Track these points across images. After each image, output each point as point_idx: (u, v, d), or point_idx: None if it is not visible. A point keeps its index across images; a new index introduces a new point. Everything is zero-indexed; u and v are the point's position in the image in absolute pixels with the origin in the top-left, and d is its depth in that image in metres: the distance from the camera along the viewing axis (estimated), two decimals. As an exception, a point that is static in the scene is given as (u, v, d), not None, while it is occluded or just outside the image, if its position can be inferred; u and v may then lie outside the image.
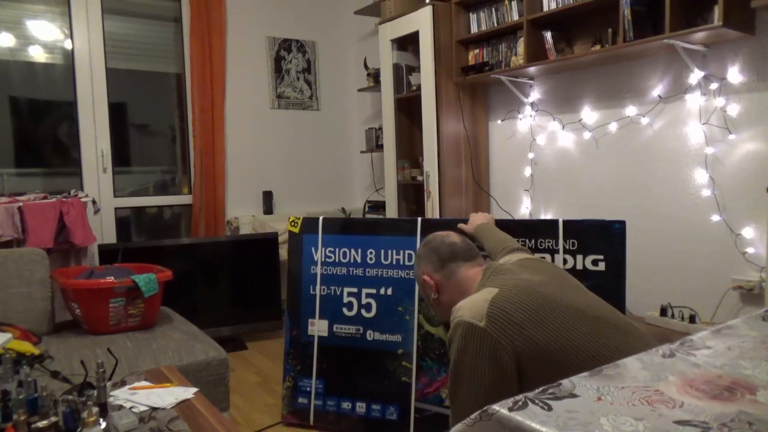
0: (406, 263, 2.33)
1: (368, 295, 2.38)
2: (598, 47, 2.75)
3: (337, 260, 2.44)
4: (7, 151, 3.52)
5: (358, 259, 2.41)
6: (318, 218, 2.50)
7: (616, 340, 1.28)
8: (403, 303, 2.32)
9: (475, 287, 1.49)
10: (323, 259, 2.46)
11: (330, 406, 2.39)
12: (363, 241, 2.42)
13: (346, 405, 2.37)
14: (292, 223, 2.54)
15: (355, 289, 2.41)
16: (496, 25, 3.23)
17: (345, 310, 2.41)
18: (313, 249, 2.48)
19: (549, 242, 2.13)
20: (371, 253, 2.40)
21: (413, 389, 2.26)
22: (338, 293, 2.42)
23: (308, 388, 2.42)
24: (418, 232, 2.33)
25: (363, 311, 2.38)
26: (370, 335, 2.36)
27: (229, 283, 3.64)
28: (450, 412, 1.35)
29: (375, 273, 2.38)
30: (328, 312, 2.43)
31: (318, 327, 2.43)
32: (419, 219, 2.34)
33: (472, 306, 1.32)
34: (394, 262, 2.36)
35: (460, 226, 2.12)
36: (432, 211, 3.45)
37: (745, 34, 2.35)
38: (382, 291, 2.36)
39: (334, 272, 2.44)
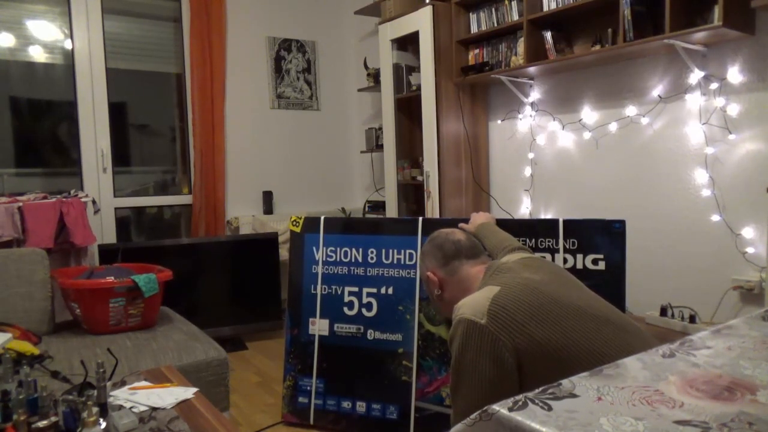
0: (407, 263, 2.34)
1: (369, 295, 2.38)
2: (598, 47, 2.75)
3: (338, 259, 2.44)
4: (7, 151, 3.52)
5: (360, 259, 2.41)
6: (319, 218, 2.51)
7: (616, 338, 1.28)
8: (404, 302, 2.32)
9: (477, 285, 1.50)
10: (324, 259, 2.46)
11: (330, 406, 2.39)
12: (364, 240, 2.42)
13: (346, 404, 2.37)
14: (294, 223, 2.54)
15: (356, 289, 2.41)
16: (496, 25, 3.23)
17: (346, 309, 2.41)
18: (314, 248, 2.48)
19: (549, 242, 2.13)
20: (372, 252, 2.40)
21: (413, 388, 2.26)
22: (339, 292, 2.43)
23: (308, 388, 2.42)
24: (419, 232, 2.33)
25: (364, 310, 2.38)
26: (371, 334, 2.36)
27: (229, 283, 3.64)
28: (451, 409, 1.35)
29: (376, 272, 2.38)
30: (329, 311, 2.43)
31: (319, 326, 2.44)
32: (420, 219, 2.34)
33: (473, 304, 1.32)
34: (395, 262, 2.36)
35: (461, 225, 2.12)
36: (432, 211, 3.45)
37: (745, 34, 2.35)
38: (383, 290, 2.36)
39: (336, 271, 2.44)
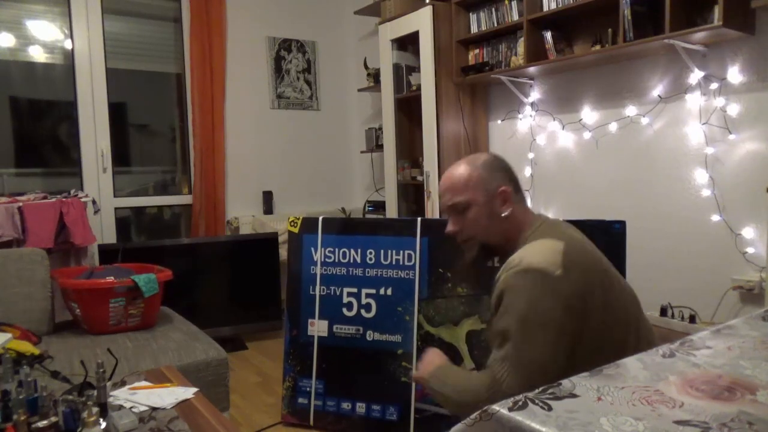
0: (406, 263, 2.33)
1: (368, 296, 2.38)
2: (598, 47, 2.75)
3: (336, 260, 2.44)
4: (7, 151, 3.52)
5: (358, 260, 2.41)
6: (317, 218, 2.50)
7: (646, 329, 1.28)
8: (403, 303, 2.32)
9: (528, 232, 1.36)
10: (323, 260, 2.46)
11: (330, 407, 2.39)
12: (363, 241, 2.42)
13: (346, 405, 2.37)
14: (292, 223, 2.54)
15: (354, 290, 2.41)
16: (496, 25, 3.23)
17: (345, 310, 2.41)
18: (312, 249, 2.48)
19: (549, 242, 2.12)
20: (371, 253, 2.40)
21: (413, 389, 2.26)
22: (338, 293, 2.42)
23: (308, 389, 2.42)
24: (418, 232, 2.33)
25: (363, 311, 2.38)
26: (370, 335, 2.36)
27: (229, 283, 3.63)
28: (508, 368, 1.17)
29: (375, 273, 2.38)
30: (327, 312, 2.43)
31: (318, 327, 2.43)
32: (419, 219, 2.34)
33: (543, 253, 1.22)
34: (393, 262, 2.35)
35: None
36: (432, 211, 3.45)
37: (745, 34, 2.35)
38: (381, 291, 2.36)
39: (334, 272, 2.44)
